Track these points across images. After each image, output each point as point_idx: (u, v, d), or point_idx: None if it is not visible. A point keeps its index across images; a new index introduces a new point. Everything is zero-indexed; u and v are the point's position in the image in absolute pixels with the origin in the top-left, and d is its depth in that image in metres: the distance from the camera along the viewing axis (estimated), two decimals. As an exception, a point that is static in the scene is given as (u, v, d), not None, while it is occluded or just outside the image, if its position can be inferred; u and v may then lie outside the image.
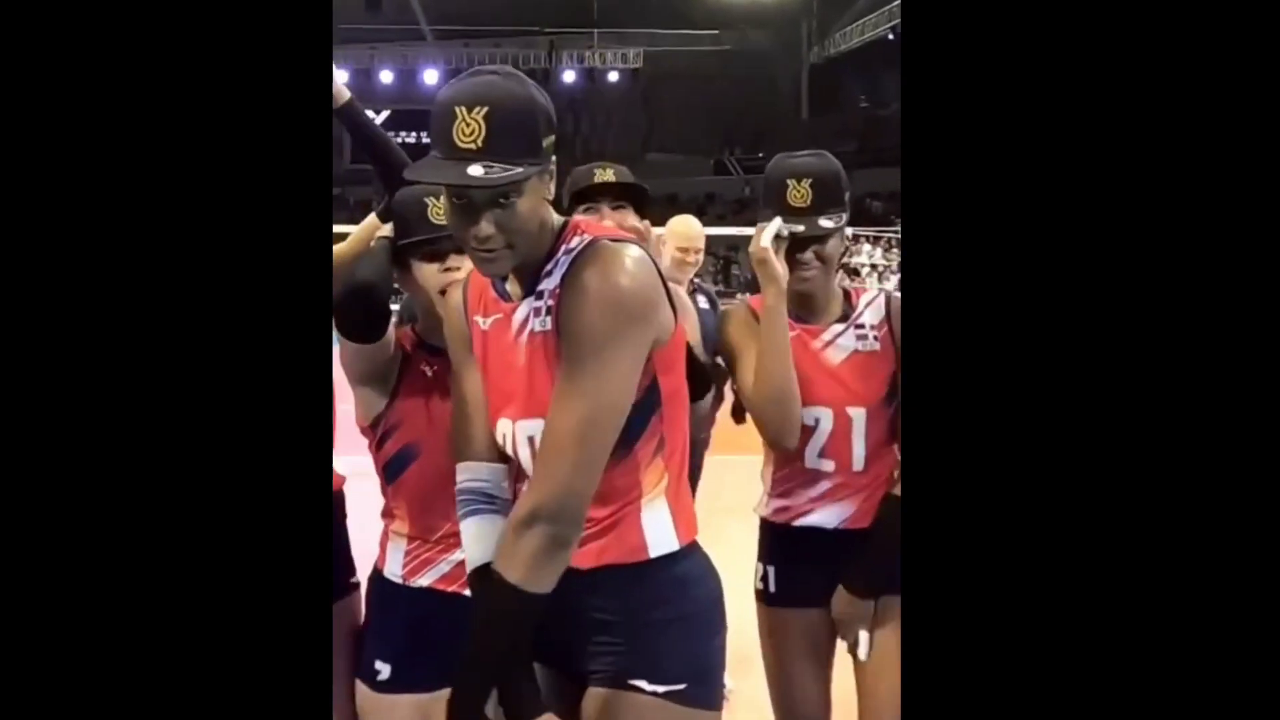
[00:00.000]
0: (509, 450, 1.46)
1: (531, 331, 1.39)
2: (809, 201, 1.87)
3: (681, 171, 17.89)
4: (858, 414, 1.92)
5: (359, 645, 1.83)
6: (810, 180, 1.88)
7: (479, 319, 1.48)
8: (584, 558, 1.36)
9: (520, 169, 1.30)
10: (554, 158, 1.40)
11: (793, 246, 1.87)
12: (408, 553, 1.79)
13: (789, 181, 1.88)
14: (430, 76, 24.68)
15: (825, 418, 1.93)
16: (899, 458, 1.94)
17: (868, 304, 2.00)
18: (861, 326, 1.96)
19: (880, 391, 1.93)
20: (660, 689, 1.38)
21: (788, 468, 1.97)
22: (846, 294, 2.03)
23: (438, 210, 1.68)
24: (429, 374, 1.78)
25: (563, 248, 1.40)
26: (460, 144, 1.31)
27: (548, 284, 1.39)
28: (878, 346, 1.95)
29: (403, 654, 1.77)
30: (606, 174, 2.02)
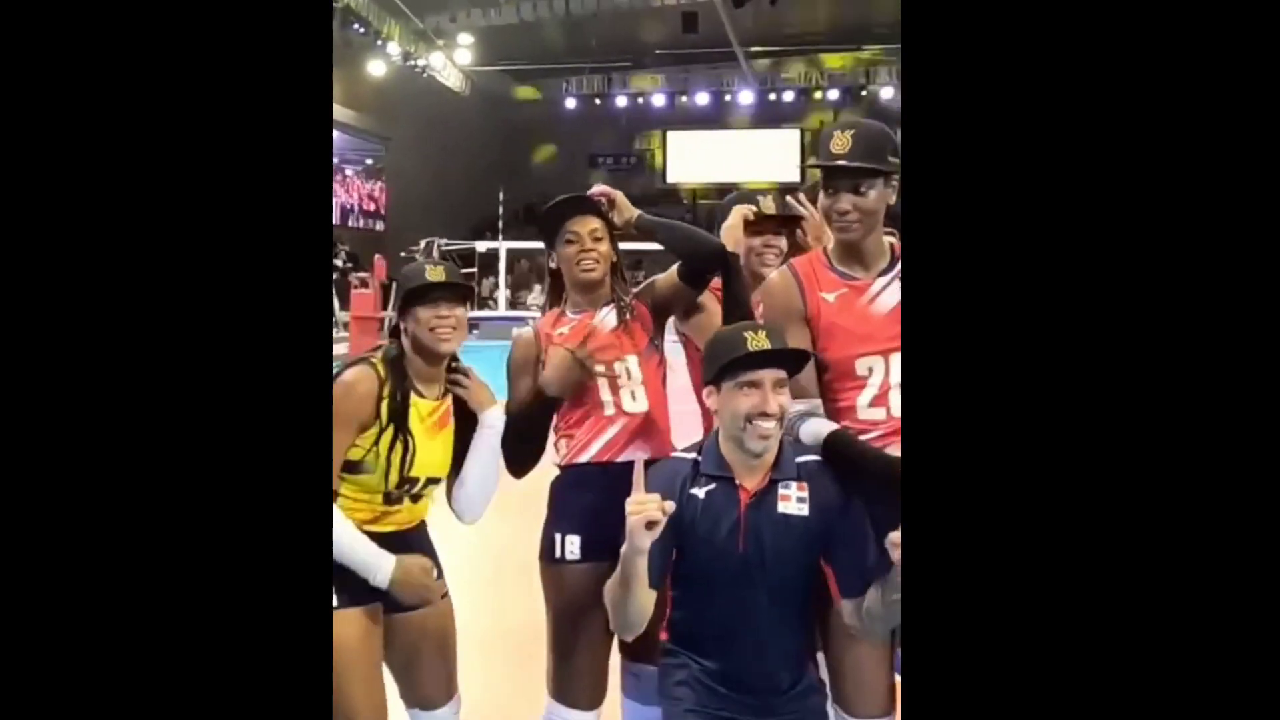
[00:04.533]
0: (874, 378, 1.99)
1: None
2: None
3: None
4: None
5: None
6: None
7: (825, 295, 2.06)
8: None
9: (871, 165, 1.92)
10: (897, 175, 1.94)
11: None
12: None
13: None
14: (745, 98, 24.68)
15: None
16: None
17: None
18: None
19: None
20: None
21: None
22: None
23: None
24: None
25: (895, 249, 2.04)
26: (834, 151, 1.99)
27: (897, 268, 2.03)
28: None
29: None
30: None
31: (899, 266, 2.07)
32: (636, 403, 2.27)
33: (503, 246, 19.46)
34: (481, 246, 19.63)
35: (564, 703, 2.22)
